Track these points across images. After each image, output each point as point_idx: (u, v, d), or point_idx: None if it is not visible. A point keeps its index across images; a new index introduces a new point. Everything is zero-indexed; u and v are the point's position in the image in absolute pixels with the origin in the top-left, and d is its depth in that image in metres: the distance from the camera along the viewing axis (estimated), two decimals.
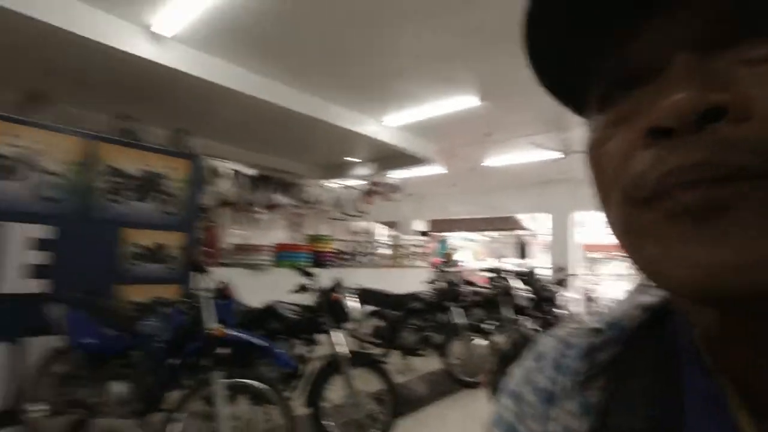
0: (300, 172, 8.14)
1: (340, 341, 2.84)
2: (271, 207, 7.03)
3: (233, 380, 2.33)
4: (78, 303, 2.78)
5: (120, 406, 2.51)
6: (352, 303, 3.09)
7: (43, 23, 3.34)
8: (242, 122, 5.96)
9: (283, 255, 5.37)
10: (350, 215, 8.22)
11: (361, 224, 8.76)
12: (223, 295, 2.74)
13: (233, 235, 6.22)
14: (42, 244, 3.11)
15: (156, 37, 3.91)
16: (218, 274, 3.05)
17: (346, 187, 8.39)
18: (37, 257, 3.08)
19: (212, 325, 2.37)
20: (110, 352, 2.63)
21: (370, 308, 4.56)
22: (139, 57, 3.89)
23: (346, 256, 6.46)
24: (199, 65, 4.29)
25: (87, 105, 5.06)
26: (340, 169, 8.41)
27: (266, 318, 3.04)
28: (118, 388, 2.51)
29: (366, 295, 4.30)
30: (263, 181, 7.02)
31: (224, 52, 4.31)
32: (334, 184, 8.45)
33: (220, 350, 2.35)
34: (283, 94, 5.03)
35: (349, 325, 3.19)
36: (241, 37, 4.00)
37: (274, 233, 7.01)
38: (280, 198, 7.14)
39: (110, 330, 2.68)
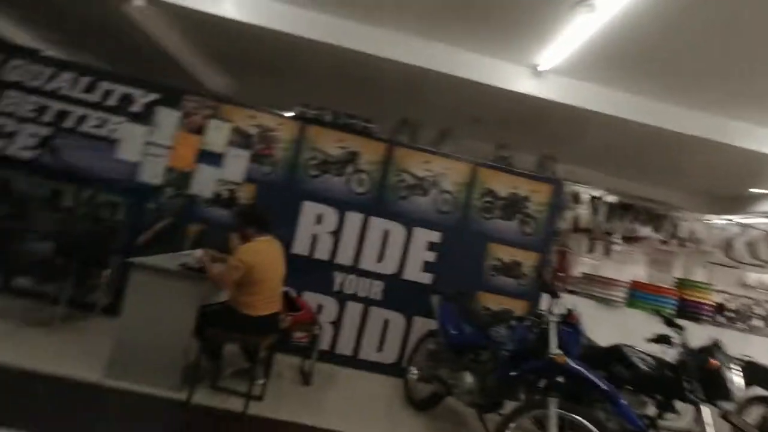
0: (673, 202, 6.94)
1: (710, 422, 2.29)
2: (631, 239, 6.35)
3: (567, 413, 2.28)
4: (450, 298, 3.46)
5: (467, 394, 2.94)
6: (736, 377, 2.42)
7: (461, 78, 4.32)
8: (607, 146, 5.70)
9: (639, 295, 4.79)
10: (745, 263, 6.33)
11: (762, 277, 6.61)
12: (568, 322, 2.72)
13: (584, 263, 6.02)
14: (433, 246, 4.04)
15: (537, 74, 4.31)
16: (564, 301, 3.05)
17: (744, 225, 6.51)
18: (429, 256, 4.03)
19: (555, 350, 2.40)
20: (466, 346, 3.11)
21: (758, 392, 3.42)
22: (520, 93, 4.41)
23: (729, 314, 5.08)
24: (571, 93, 4.44)
25: (476, 137, 6.13)
26: (737, 202, 6.65)
27: (610, 360, 2.80)
28: (469, 379, 2.94)
29: (755, 372, 3.27)
30: (624, 210, 6.43)
31: (596, 76, 4.28)
32: (725, 220, 6.72)
33: (557, 377, 2.36)
34: (659, 114, 4.49)
35: (726, 405, 2.51)
36: (614, 59, 3.86)
37: (629, 268, 6.32)
38: (643, 230, 6.34)
39: (469, 327, 3.18)
